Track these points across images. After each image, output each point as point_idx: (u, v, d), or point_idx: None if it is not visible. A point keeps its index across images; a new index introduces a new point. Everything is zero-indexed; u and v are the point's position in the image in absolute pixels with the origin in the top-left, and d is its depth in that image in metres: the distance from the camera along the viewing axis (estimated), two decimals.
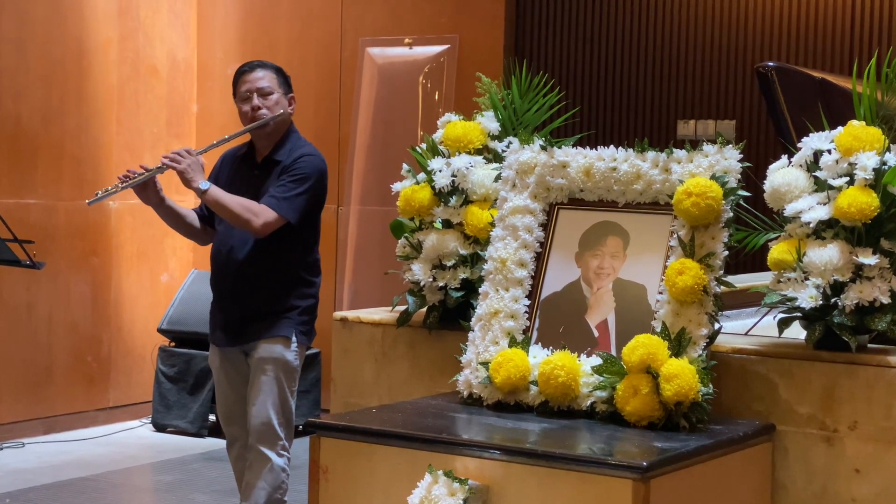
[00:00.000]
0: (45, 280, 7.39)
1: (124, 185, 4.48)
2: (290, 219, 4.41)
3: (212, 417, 7.49)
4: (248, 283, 4.51)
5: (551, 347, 2.88)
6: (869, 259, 2.68)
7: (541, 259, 3.00)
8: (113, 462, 6.89)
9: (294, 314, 4.54)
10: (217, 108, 8.40)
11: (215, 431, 7.39)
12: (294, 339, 4.52)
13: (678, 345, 2.71)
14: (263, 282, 4.50)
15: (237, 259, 4.51)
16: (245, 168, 4.60)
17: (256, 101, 4.55)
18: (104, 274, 7.86)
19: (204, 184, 4.38)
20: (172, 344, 7.65)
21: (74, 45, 7.64)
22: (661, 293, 2.80)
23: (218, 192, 4.40)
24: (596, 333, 2.88)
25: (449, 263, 3.17)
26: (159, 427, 7.61)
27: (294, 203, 4.42)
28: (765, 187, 2.85)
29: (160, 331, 7.70)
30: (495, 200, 3.11)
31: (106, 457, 7.01)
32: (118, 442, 7.40)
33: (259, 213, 4.38)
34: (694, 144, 2.89)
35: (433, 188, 3.23)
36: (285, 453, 4.55)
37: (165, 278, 8.20)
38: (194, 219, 4.65)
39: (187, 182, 4.40)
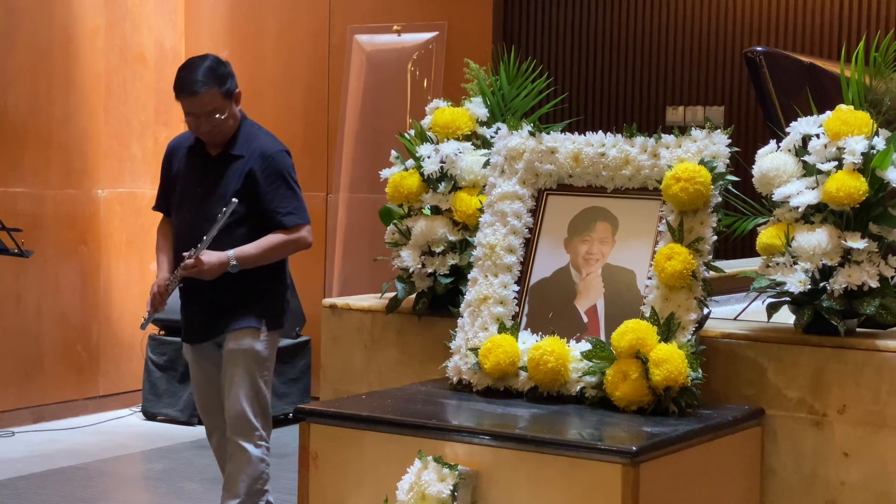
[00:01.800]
0: (34, 269, 7.37)
1: (161, 307, 4.56)
2: (308, 220, 4.53)
3: None
4: (215, 279, 4.48)
5: (541, 333, 2.87)
6: (857, 243, 2.69)
7: (530, 245, 2.99)
8: (103, 451, 6.88)
9: (261, 301, 4.53)
10: None
11: None
12: (262, 327, 4.50)
13: (667, 330, 2.71)
14: (230, 275, 4.48)
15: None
16: (198, 161, 4.54)
17: (206, 126, 4.45)
18: (93, 263, 7.84)
19: (233, 262, 4.38)
20: (162, 332, 7.64)
21: (61, 34, 7.60)
22: (650, 278, 2.79)
23: (247, 253, 4.43)
24: (585, 319, 2.88)
25: (438, 250, 3.17)
26: (149, 415, 7.60)
27: (301, 205, 4.52)
28: (753, 172, 2.85)
29: None
30: (484, 186, 3.11)
31: (96, 445, 7.00)
32: (108, 430, 7.39)
33: (298, 237, 4.48)
34: (683, 131, 2.89)
35: (422, 175, 3.22)
36: (263, 443, 4.54)
37: (154, 267, 8.18)
38: (164, 237, 4.69)
39: (220, 273, 4.40)
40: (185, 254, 4.41)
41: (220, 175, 4.48)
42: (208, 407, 4.66)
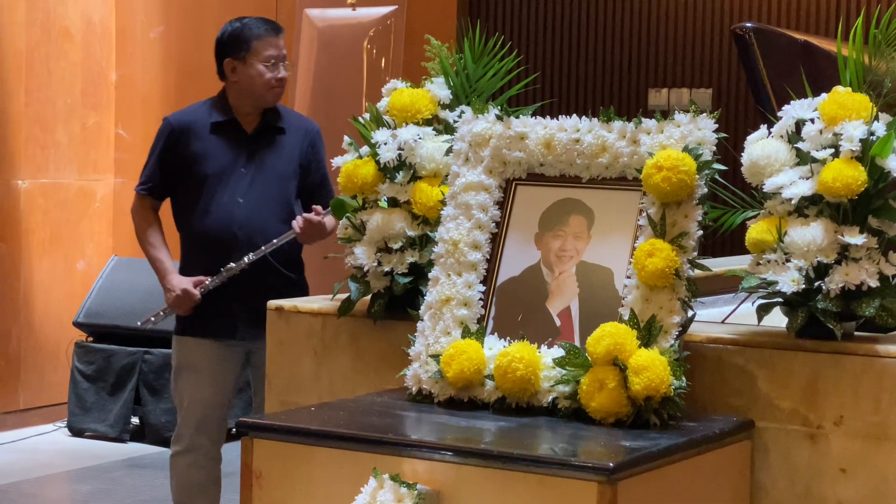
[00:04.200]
0: None
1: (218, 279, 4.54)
2: None
3: (134, 420, 7.45)
4: (274, 263, 4.52)
5: (508, 338, 2.88)
6: (855, 238, 2.70)
7: (497, 241, 3.00)
8: (24, 470, 6.84)
9: (305, 282, 4.65)
10: (139, 76, 8.34)
11: (138, 436, 7.36)
12: None
13: (648, 334, 2.72)
14: (288, 256, 4.52)
15: (260, 237, 4.48)
16: (231, 139, 4.60)
17: (284, 71, 4.60)
18: (12, 261, 7.78)
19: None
20: (90, 339, 7.60)
21: None
22: (629, 277, 2.81)
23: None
24: (558, 322, 2.89)
25: (395, 246, 3.17)
26: (76, 431, 7.56)
27: None
28: (742, 160, 2.86)
29: (76, 324, 7.65)
30: (446, 176, 3.11)
31: (16, 465, 6.96)
32: (30, 448, 7.35)
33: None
34: (665, 115, 2.90)
35: (378, 163, 3.22)
36: None
37: (82, 266, 8.14)
38: (161, 230, 4.70)
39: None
40: (252, 256, 4.42)
41: (267, 152, 4.54)
42: (205, 422, 4.60)
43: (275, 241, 4.44)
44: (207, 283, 4.46)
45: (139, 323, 4.79)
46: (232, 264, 4.42)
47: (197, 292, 4.46)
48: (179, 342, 4.63)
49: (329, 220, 4.47)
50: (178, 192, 4.63)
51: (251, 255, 4.44)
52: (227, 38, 4.63)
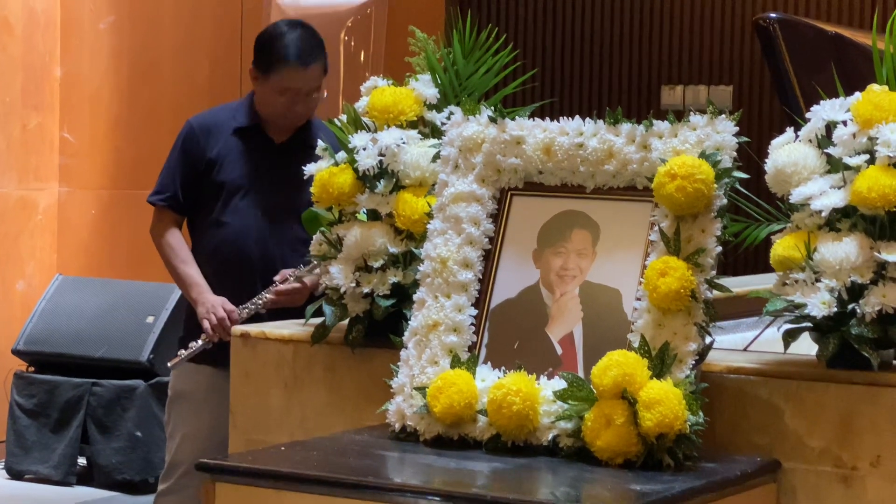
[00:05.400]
0: None
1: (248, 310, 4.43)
2: None
3: (81, 461, 7.43)
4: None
5: (503, 368, 2.88)
6: (894, 256, 2.71)
7: (490, 258, 3.00)
8: None
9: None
10: (86, 72, 8.33)
11: (85, 479, 7.33)
12: None
13: (661, 363, 2.73)
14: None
15: (276, 257, 4.47)
16: (256, 147, 4.59)
17: (304, 107, 4.54)
18: None
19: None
20: (31, 369, 7.58)
21: None
22: (639, 299, 2.81)
23: None
24: (559, 350, 2.89)
25: (376, 264, 3.18)
26: (15, 474, 7.53)
27: None
28: (766, 168, 2.87)
29: (15, 352, 7.63)
30: (433, 186, 3.12)
31: None
32: None
33: None
34: (680, 116, 2.91)
35: (356, 170, 3.23)
36: None
37: (22, 286, 8.13)
38: (186, 247, 4.66)
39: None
40: (287, 273, 4.31)
41: (297, 166, 4.52)
42: (204, 454, 4.58)
43: (301, 266, 4.36)
44: (244, 309, 4.40)
45: (169, 364, 4.66)
46: (269, 290, 4.39)
47: (236, 316, 4.41)
48: (177, 367, 4.62)
49: (308, 279, 4.36)
50: (195, 202, 4.62)
51: (293, 271, 4.38)
52: (259, 42, 4.62)
